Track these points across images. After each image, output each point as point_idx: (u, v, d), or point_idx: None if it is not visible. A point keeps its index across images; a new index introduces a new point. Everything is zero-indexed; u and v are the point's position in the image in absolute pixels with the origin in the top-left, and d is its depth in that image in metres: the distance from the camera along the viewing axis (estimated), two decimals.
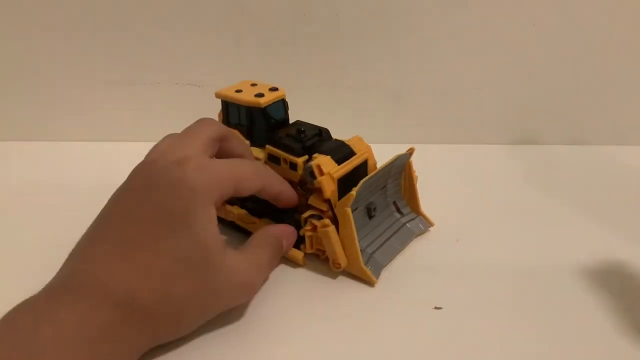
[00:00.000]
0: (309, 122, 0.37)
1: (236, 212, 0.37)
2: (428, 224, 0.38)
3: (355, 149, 0.35)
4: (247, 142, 0.36)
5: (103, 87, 0.51)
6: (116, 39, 0.49)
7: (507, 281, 0.33)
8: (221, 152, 0.32)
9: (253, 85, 0.37)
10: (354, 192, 0.31)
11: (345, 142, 0.35)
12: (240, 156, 0.33)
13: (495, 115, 0.53)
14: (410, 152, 0.36)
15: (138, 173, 0.29)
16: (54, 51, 0.49)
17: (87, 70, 0.50)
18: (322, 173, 0.32)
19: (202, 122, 0.32)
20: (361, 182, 0.32)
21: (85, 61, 0.50)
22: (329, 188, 0.32)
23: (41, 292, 0.25)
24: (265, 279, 0.33)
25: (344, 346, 0.28)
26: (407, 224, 0.37)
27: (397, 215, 0.38)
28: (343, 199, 0.32)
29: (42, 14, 0.47)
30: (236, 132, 0.35)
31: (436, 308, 0.31)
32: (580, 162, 0.50)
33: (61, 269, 0.27)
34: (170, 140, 0.30)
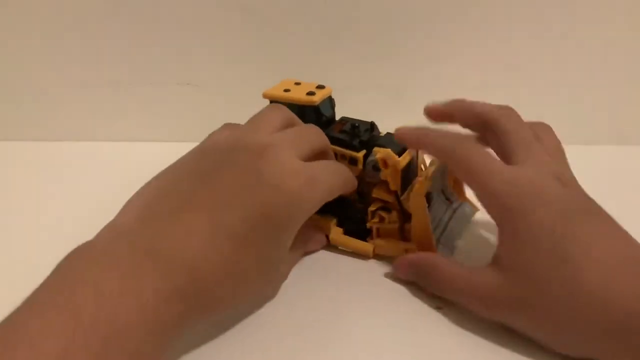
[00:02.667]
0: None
1: None
2: (473, 209, 0.38)
3: None
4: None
5: (103, 87, 0.51)
6: (116, 39, 0.49)
7: None
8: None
9: (297, 84, 0.37)
10: (429, 180, 0.32)
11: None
12: (324, 153, 0.32)
13: None
14: None
15: (245, 157, 0.28)
16: (54, 51, 0.49)
17: (88, 70, 0.50)
18: (386, 166, 0.32)
19: (313, 127, 0.32)
20: (429, 172, 0.33)
21: (86, 61, 0.50)
22: (396, 180, 0.33)
23: (126, 247, 0.24)
24: None
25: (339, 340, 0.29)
26: (458, 210, 0.38)
27: (447, 202, 0.38)
28: (417, 187, 0.32)
29: (43, 14, 0.47)
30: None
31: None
32: (581, 162, 0.50)
33: (142, 227, 0.25)
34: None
